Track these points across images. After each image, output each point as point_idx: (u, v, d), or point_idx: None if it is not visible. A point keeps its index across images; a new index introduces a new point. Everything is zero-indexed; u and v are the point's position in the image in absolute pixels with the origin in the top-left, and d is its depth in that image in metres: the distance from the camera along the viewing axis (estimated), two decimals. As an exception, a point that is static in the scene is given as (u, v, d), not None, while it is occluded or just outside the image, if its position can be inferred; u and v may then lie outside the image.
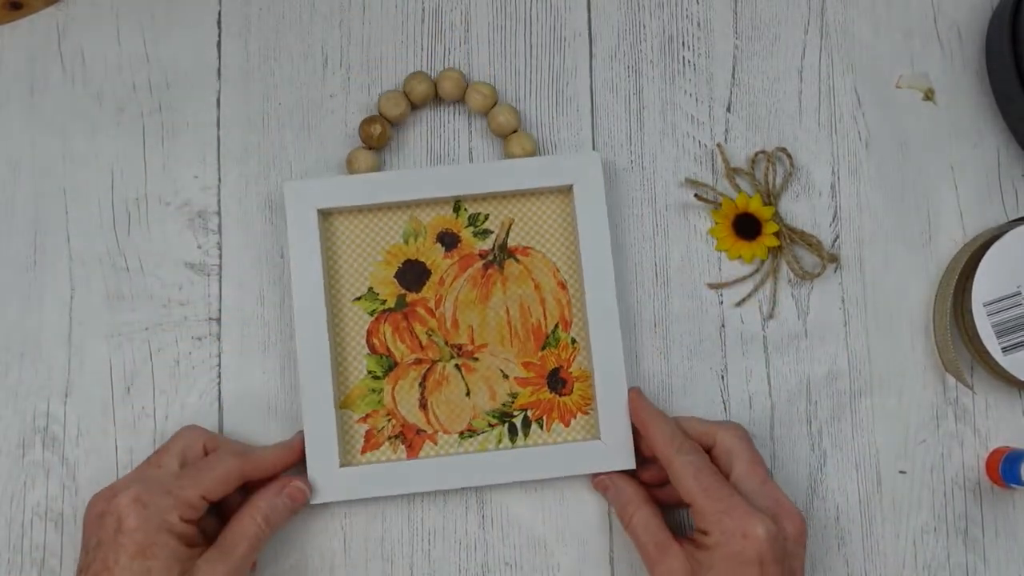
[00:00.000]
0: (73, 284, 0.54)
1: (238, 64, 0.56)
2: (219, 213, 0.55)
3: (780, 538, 0.45)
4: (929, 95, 0.57)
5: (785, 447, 0.54)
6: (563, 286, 0.54)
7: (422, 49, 0.56)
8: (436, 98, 0.55)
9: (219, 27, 0.56)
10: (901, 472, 0.54)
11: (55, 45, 0.56)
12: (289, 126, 0.56)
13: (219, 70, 0.56)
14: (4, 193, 0.55)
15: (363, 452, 0.53)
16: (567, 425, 0.53)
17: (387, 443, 0.53)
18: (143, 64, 0.56)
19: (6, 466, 0.53)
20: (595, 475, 0.52)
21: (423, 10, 0.57)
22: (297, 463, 0.51)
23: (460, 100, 0.55)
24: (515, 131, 0.54)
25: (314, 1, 0.57)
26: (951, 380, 0.55)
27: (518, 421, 0.53)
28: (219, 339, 0.54)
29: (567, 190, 0.54)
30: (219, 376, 0.54)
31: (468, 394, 0.53)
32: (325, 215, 0.53)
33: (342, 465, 0.51)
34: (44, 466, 0.53)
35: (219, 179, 0.55)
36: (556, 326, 0.54)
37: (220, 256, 0.55)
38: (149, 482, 0.46)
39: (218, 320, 0.54)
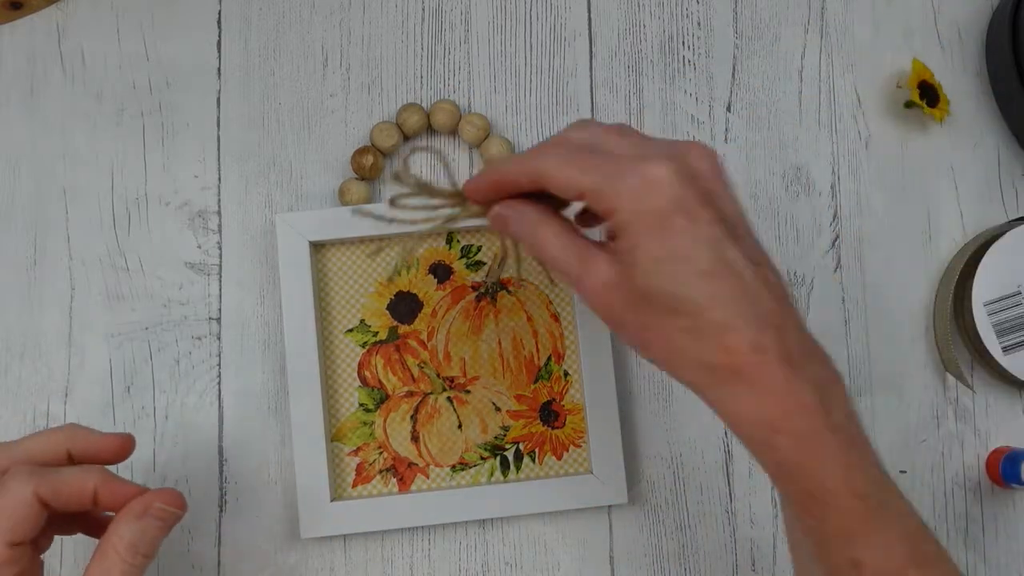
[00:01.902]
0: (73, 284, 0.54)
1: (238, 64, 0.56)
2: (219, 213, 0.55)
3: (690, 175, 0.36)
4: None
5: (785, 447, 0.54)
6: (556, 318, 0.54)
7: (422, 49, 0.56)
8: (429, 128, 0.55)
9: (219, 27, 0.56)
10: (901, 472, 0.54)
11: (55, 45, 0.56)
12: (289, 126, 0.56)
13: (219, 70, 0.56)
14: (4, 193, 0.55)
15: (354, 485, 0.52)
16: (559, 458, 0.53)
17: (378, 476, 0.52)
18: (143, 64, 0.56)
19: (6, 466, 0.53)
20: (490, 211, 0.42)
21: (423, 10, 0.57)
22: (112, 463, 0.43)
23: (454, 131, 0.55)
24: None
25: (314, 1, 0.57)
26: (951, 380, 0.55)
27: (510, 454, 0.53)
28: (219, 339, 0.54)
29: None
30: (219, 376, 0.54)
31: (460, 427, 0.53)
32: (317, 247, 0.53)
33: (333, 499, 0.51)
34: (44, 466, 0.53)
35: (219, 179, 0.55)
36: (549, 359, 0.53)
37: (220, 256, 0.55)
38: None
39: (218, 320, 0.54)
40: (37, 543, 0.41)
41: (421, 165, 0.56)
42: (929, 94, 0.55)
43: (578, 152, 0.38)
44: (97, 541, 0.40)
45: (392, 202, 0.45)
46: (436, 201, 0.45)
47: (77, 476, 0.40)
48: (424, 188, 0.45)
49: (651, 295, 0.36)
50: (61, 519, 0.41)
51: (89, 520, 0.45)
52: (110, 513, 0.41)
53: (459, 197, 0.44)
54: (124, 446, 0.43)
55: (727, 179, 0.38)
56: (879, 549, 0.36)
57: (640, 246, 0.36)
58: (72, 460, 0.42)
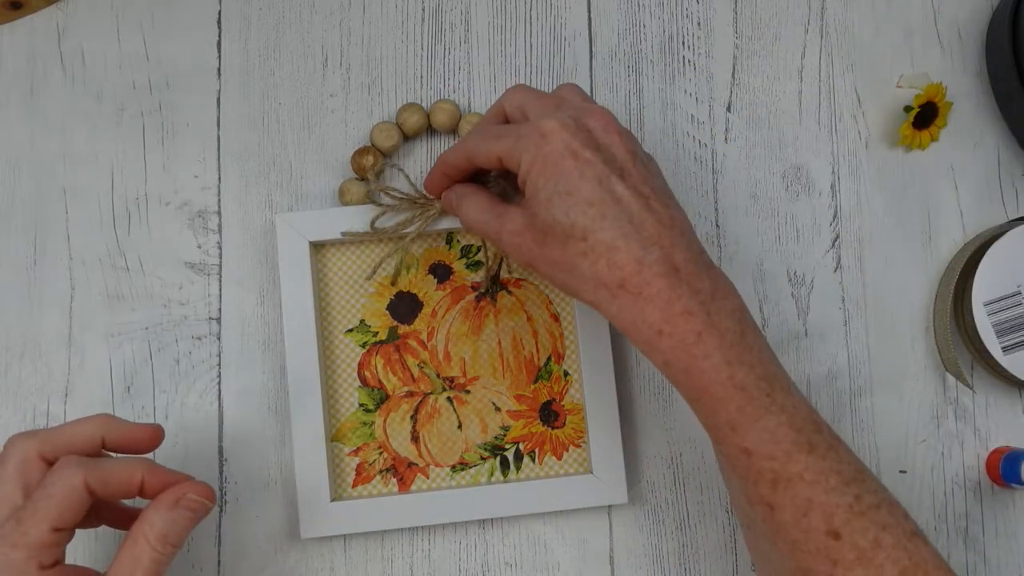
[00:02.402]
0: (73, 284, 0.54)
1: (238, 64, 0.56)
2: (219, 213, 0.55)
3: (582, 127, 0.42)
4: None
5: (785, 447, 0.54)
6: (556, 318, 0.54)
7: (422, 49, 0.56)
8: (429, 128, 0.55)
9: (219, 27, 0.56)
10: (901, 472, 0.54)
11: (55, 45, 0.56)
12: (289, 126, 0.56)
13: (219, 70, 0.56)
14: (4, 193, 0.55)
15: (354, 485, 0.52)
16: (559, 458, 0.53)
17: (378, 476, 0.52)
18: (143, 64, 0.56)
19: (6, 466, 0.53)
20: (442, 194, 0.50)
21: (423, 10, 0.57)
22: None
23: (454, 131, 0.55)
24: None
25: (314, 1, 0.57)
26: (951, 380, 0.55)
27: (510, 454, 0.53)
28: (219, 339, 0.54)
29: None
30: (219, 376, 0.54)
31: (460, 427, 0.53)
32: (317, 247, 0.53)
33: (333, 499, 0.51)
34: (44, 466, 0.53)
35: (219, 179, 0.55)
36: (549, 358, 0.53)
37: (220, 256, 0.55)
38: None
39: (218, 320, 0.54)
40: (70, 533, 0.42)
41: (411, 167, 0.56)
42: (928, 113, 0.54)
43: (495, 127, 0.46)
44: (120, 532, 0.41)
45: (372, 225, 0.52)
46: (410, 212, 0.52)
47: (125, 467, 0.41)
48: (394, 201, 0.52)
49: (550, 228, 0.42)
50: (91, 511, 0.42)
51: (114, 511, 0.46)
52: (128, 503, 0.42)
53: (426, 198, 0.52)
54: (154, 436, 0.44)
55: (623, 132, 0.43)
56: (764, 434, 0.39)
57: (538, 188, 0.42)
58: (105, 448, 0.43)
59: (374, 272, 0.53)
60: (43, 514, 0.39)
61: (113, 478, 0.41)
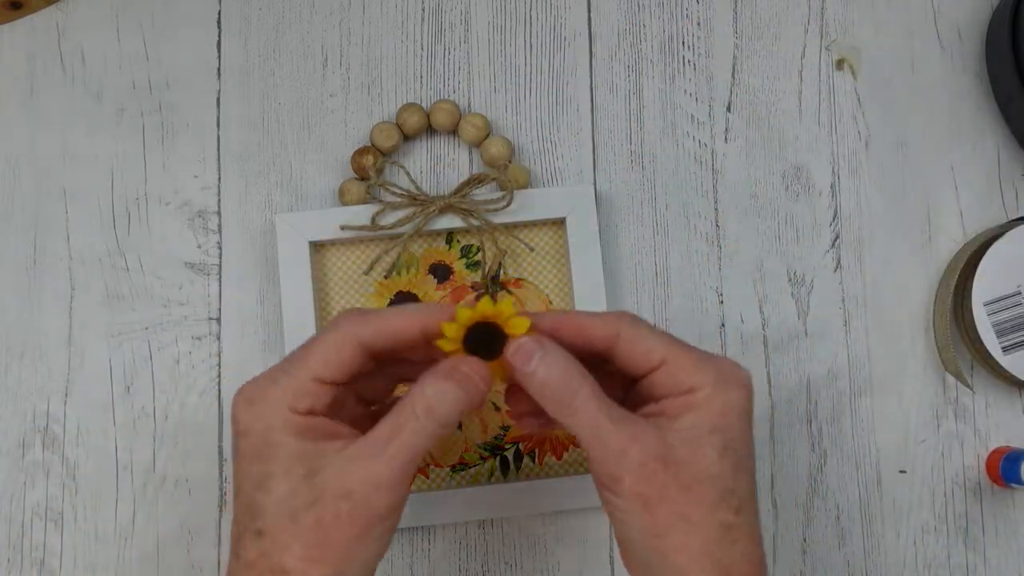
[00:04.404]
0: (73, 284, 0.54)
1: (238, 64, 0.56)
2: (219, 213, 0.55)
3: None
4: (842, 65, 0.56)
5: (785, 447, 0.54)
6: None
7: (422, 49, 0.56)
8: (429, 128, 0.55)
9: (219, 27, 0.56)
10: (901, 472, 0.54)
11: (55, 45, 0.56)
12: (289, 126, 0.56)
13: (219, 70, 0.56)
14: (4, 193, 0.55)
15: None
16: (559, 458, 0.53)
17: None
18: (143, 64, 0.56)
19: (6, 466, 0.53)
20: (515, 345, 0.38)
21: (423, 10, 0.57)
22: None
23: (454, 131, 0.55)
24: (508, 163, 0.54)
25: (314, 1, 0.57)
26: (951, 380, 0.55)
27: (510, 454, 0.53)
28: (219, 339, 0.54)
29: (560, 221, 0.53)
30: (219, 376, 0.54)
31: (460, 427, 0.53)
32: (317, 247, 0.53)
33: None
34: (44, 466, 0.53)
35: (219, 179, 0.55)
36: None
37: (220, 256, 0.55)
38: (262, 376, 0.39)
39: (218, 320, 0.54)
40: (362, 392, 0.41)
41: (412, 167, 0.56)
42: (482, 340, 0.38)
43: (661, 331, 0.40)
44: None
45: (373, 221, 0.51)
46: (410, 209, 0.51)
47: (400, 317, 0.38)
48: (394, 198, 0.51)
49: (698, 474, 0.36)
50: (381, 369, 0.40)
51: (409, 368, 0.42)
52: None
53: (424, 198, 0.51)
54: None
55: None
56: None
57: (700, 428, 0.37)
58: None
59: (371, 267, 0.53)
60: (310, 361, 0.37)
61: (388, 327, 0.37)
